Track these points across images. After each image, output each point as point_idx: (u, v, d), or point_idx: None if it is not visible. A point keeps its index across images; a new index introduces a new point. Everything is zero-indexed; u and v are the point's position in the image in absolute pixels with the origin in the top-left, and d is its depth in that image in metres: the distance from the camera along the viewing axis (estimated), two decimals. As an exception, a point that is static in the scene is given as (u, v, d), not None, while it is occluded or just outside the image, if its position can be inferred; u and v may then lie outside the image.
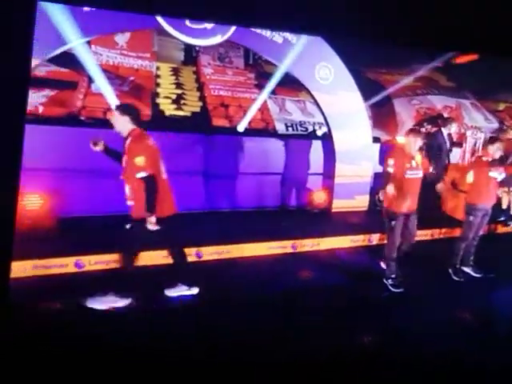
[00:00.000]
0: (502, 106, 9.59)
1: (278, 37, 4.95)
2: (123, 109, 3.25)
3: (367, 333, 3.26)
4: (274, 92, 7.82)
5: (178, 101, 7.12)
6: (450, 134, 5.72)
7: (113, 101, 5.10)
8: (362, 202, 5.61)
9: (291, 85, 7.39)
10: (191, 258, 4.04)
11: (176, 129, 5.65)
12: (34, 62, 4.19)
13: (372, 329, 3.34)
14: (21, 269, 3.44)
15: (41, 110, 5.68)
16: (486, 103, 9.36)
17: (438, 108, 8.53)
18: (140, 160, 3.02)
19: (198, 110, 7.17)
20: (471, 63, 7.96)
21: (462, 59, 8.33)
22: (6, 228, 2.37)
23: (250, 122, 6.65)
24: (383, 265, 4.10)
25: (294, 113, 7.67)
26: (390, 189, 3.68)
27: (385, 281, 3.97)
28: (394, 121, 8.25)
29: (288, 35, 4.93)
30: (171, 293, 3.46)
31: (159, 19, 4.39)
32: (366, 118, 5.81)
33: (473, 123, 8.43)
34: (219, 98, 7.46)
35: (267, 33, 4.84)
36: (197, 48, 7.98)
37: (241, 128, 6.21)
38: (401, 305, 3.76)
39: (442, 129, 5.64)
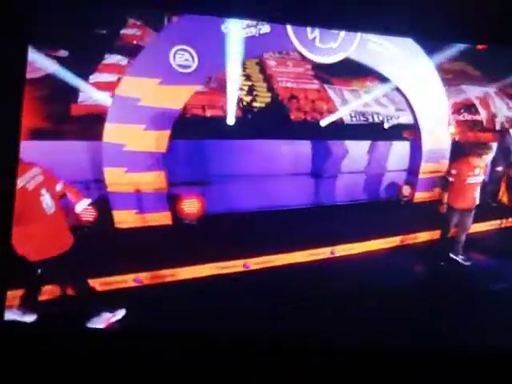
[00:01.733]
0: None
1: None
2: None
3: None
4: (330, 82, 8.51)
5: (251, 92, 7.66)
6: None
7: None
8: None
9: (345, 75, 8.05)
10: (325, 255, 4.70)
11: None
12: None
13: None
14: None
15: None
16: (506, 90, 10.20)
17: (470, 97, 9.36)
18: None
19: (269, 100, 7.73)
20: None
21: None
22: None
23: (321, 114, 7.37)
24: (455, 256, 4.88)
25: (352, 103, 8.28)
26: None
27: (455, 257, 4.85)
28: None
29: (394, 49, 5.51)
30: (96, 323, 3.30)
31: (295, 42, 4.95)
32: (447, 119, 6.44)
33: (497, 112, 9.31)
34: (288, 89, 8.00)
35: (377, 48, 5.44)
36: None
37: (324, 123, 6.88)
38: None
39: (511, 130, 6.53)
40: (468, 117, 8.92)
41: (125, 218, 4.69)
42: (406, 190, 6.18)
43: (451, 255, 4.90)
